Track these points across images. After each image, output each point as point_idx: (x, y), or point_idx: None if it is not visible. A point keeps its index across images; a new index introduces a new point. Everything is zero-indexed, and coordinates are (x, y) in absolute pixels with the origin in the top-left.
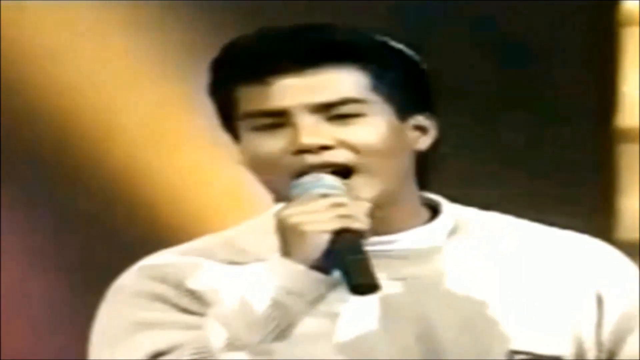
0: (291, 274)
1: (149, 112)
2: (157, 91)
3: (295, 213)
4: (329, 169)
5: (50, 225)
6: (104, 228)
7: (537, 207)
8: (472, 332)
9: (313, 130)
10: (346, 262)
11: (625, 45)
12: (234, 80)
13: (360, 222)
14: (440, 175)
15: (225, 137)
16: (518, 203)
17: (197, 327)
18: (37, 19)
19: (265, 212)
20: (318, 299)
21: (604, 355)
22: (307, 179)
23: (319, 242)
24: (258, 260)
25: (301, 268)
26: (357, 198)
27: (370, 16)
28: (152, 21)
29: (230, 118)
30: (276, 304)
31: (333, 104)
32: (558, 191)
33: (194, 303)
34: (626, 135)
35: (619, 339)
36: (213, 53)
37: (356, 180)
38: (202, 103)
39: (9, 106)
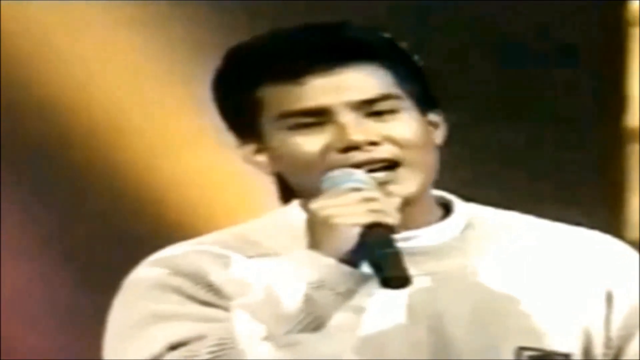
0: (321, 267)
1: (156, 109)
2: (164, 89)
3: (327, 206)
4: (376, 165)
5: (55, 223)
6: (110, 226)
7: (540, 208)
8: (483, 328)
9: (359, 128)
10: (378, 256)
11: (633, 45)
12: (260, 81)
13: (391, 217)
14: (440, 175)
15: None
16: (520, 204)
17: (216, 319)
18: (42, 16)
19: (271, 210)
20: (349, 293)
21: (612, 352)
22: (337, 172)
23: (350, 235)
24: (273, 254)
25: (331, 261)
26: (389, 194)
27: (370, 16)
28: (158, 19)
29: (247, 119)
30: (306, 297)
31: (373, 100)
32: (561, 192)
33: (210, 295)
34: (634, 135)
35: (627, 335)
36: (220, 52)
37: (400, 173)
38: (209, 101)
39: (14, 103)
